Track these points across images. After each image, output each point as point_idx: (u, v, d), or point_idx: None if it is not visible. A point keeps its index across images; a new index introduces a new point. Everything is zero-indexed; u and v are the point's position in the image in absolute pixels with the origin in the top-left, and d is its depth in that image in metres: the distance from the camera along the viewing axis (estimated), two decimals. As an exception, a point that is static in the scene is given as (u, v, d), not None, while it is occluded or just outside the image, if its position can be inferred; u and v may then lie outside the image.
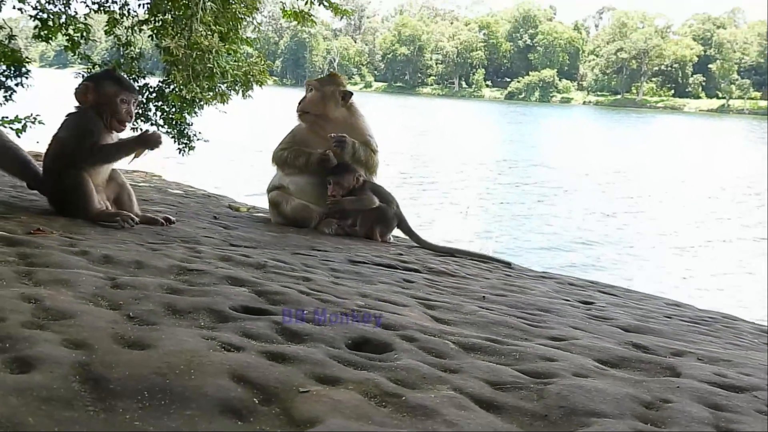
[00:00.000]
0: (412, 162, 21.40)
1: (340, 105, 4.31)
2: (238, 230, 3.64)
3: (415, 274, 2.97)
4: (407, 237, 4.31)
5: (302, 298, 1.76)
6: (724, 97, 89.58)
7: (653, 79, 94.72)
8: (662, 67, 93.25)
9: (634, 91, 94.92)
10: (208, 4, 9.76)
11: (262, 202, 4.67)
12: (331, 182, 4.07)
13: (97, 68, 10.82)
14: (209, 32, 9.74)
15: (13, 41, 13.34)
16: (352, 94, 4.42)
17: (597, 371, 1.45)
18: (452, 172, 20.10)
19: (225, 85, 10.63)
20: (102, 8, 11.28)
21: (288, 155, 4.25)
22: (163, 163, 11.41)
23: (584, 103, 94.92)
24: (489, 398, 1.12)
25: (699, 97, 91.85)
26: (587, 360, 1.55)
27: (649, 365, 1.65)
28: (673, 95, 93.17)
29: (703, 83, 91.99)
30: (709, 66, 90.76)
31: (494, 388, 1.19)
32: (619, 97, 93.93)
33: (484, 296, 2.55)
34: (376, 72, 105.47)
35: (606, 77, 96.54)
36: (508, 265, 4.05)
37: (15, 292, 1.32)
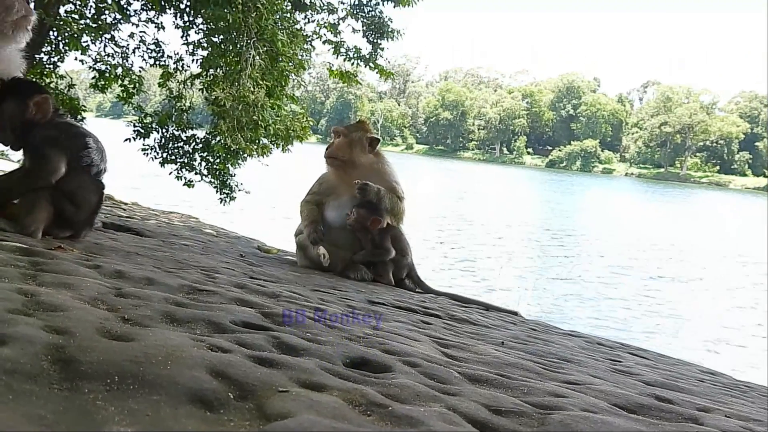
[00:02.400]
0: (450, 222, 21.36)
1: (367, 151, 4.34)
2: (261, 267, 3.63)
3: (435, 319, 2.89)
4: (417, 286, 4.30)
5: (309, 322, 1.71)
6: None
7: (698, 154, 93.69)
8: (707, 143, 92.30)
9: (678, 166, 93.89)
10: (258, 60, 10.13)
11: (293, 248, 4.68)
12: (354, 211, 4.08)
13: (149, 119, 11.28)
14: (256, 87, 10.06)
15: (72, 90, 14.00)
16: (379, 140, 4.45)
17: (609, 411, 1.35)
18: (490, 234, 19.95)
19: (267, 138, 10.91)
20: (157, 62, 11.79)
21: (303, 211, 4.32)
22: (203, 209, 11.63)
23: (626, 174, 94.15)
24: (484, 419, 1.04)
25: (745, 175, 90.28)
26: (601, 402, 1.45)
27: (670, 414, 1.53)
28: (718, 171, 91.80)
29: (750, 161, 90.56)
30: (756, 144, 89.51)
31: (491, 411, 1.11)
32: (662, 170, 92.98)
33: (502, 342, 2.46)
34: (418, 134, 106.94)
35: (649, 150, 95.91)
36: (514, 314, 3.99)
37: (12, 286, 1.31)
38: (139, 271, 2.00)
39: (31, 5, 2.76)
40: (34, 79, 12.83)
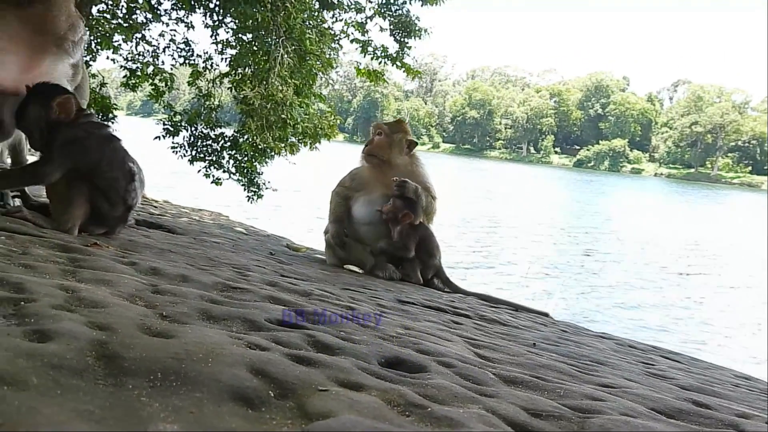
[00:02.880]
0: (478, 223, 21.25)
1: (404, 153, 4.36)
2: (291, 266, 3.65)
3: (465, 319, 2.88)
4: (445, 286, 4.28)
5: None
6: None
7: (729, 154, 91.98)
8: (739, 143, 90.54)
9: (709, 166, 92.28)
10: (286, 59, 10.18)
11: (322, 246, 4.70)
12: (392, 201, 4.10)
13: (178, 117, 11.42)
14: (285, 85, 10.12)
15: (103, 89, 14.24)
16: (417, 143, 4.48)
17: (648, 415, 1.32)
18: (518, 235, 19.81)
19: (295, 136, 10.96)
20: (187, 61, 11.92)
21: (332, 203, 4.36)
22: (231, 206, 11.74)
23: (656, 174, 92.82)
24: (523, 422, 1.03)
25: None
26: (639, 406, 1.43)
27: (709, 420, 1.50)
28: (750, 172, 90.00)
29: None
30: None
31: (530, 414, 1.10)
32: (692, 170, 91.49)
33: (534, 343, 2.44)
34: (444, 134, 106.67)
35: (679, 150, 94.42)
36: (544, 315, 3.96)
37: (55, 282, 1.34)
38: (174, 268, 2.02)
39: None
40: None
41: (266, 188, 11.71)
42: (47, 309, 1.09)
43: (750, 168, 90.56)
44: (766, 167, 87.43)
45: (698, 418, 1.50)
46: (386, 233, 4.17)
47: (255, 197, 11.69)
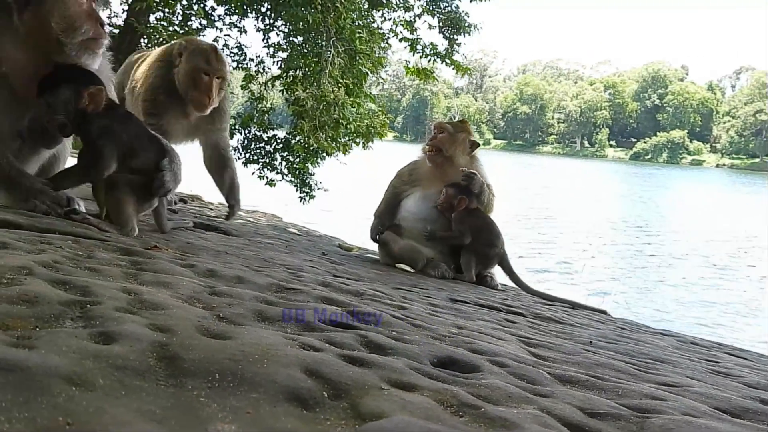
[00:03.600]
0: (534, 219, 20.96)
1: (467, 152, 4.36)
2: (344, 265, 3.68)
3: (519, 317, 2.85)
4: (508, 276, 4.21)
5: (394, 321, 1.72)
6: None
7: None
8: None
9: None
10: (337, 60, 10.27)
11: (374, 245, 4.72)
12: (444, 191, 4.10)
13: (232, 120, 11.66)
14: (336, 86, 10.21)
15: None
16: (479, 144, 4.47)
17: (712, 415, 1.28)
18: (575, 231, 19.45)
19: (348, 136, 11.05)
20: (240, 65, 12.15)
21: (385, 195, 4.46)
22: (285, 207, 11.91)
23: (717, 165, 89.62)
24: (579, 422, 1.02)
25: None
26: (702, 405, 1.38)
27: (777, 420, 1.45)
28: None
29: None
30: None
31: (586, 414, 1.08)
32: (757, 160, 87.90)
33: (591, 341, 2.39)
34: (495, 130, 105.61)
35: (743, 139, 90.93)
36: (602, 312, 3.86)
37: (118, 285, 1.39)
38: (230, 270, 2.07)
39: (106, 27, 2.76)
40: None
41: (318, 189, 11.85)
42: (111, 311, 1.13)
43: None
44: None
45: (765, 417, 1.45)
46: (442, 229, 4.16)
47: (307, 198, 11.84)
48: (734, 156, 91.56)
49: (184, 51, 3.96)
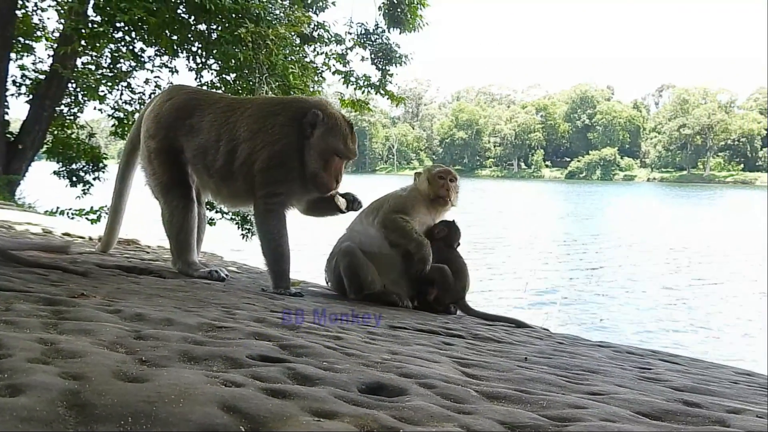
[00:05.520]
0: (477, 241, 21.26)
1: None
2: (283, 300, 3.65)
3: (457, 339, 2.88)
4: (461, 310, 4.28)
5: (326, 351, 1.72)
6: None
7: (720, 153, 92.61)
8: (728, 142, 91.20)
9: (701, 167, 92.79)
10: (270, 95, 10.27)
11: (316, 278, 4.70)
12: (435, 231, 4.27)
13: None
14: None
15: (93, 139, 14.30)
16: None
17: (631, 419, 1.33)
18: (516, 251, 19.81)
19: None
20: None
21: (403, 225, 4.14)
22: (224, 245, 11.72)
23: (648, 179, 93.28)
24: (498, 436, 1.04)
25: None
26: (624, 411, 1.43)
27: (696, 419, 1.51)
28: (743, 170, 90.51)
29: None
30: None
31: (506, 427, 1.11)
32: (684, 172, 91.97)
33: (526, 357, 2.44)
34: (434, 156, 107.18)
35: (670, 153, 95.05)
36: (544, 330, 3.98)
37: (33, 336, 1.35)
38: (160, 312, 2.04)
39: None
40: (55, 132, 13.03)
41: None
42: (22, 363, 1.10)
43: (742, 165, 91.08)
44: (757, 163, 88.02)
45: (685, 418, 1.51)
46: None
47: (249, 235, 11.71)
48: (663, 170, 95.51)
49: (320, 124, 3.69)
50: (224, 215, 11.66)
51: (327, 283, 4.47)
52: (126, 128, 11.68)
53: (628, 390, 1.91)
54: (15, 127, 12.07)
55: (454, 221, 4.37)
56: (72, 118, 12.93)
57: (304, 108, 3.75)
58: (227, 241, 12.20)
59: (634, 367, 2.78)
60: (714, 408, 1.72)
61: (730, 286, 15.13)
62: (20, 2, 11.48)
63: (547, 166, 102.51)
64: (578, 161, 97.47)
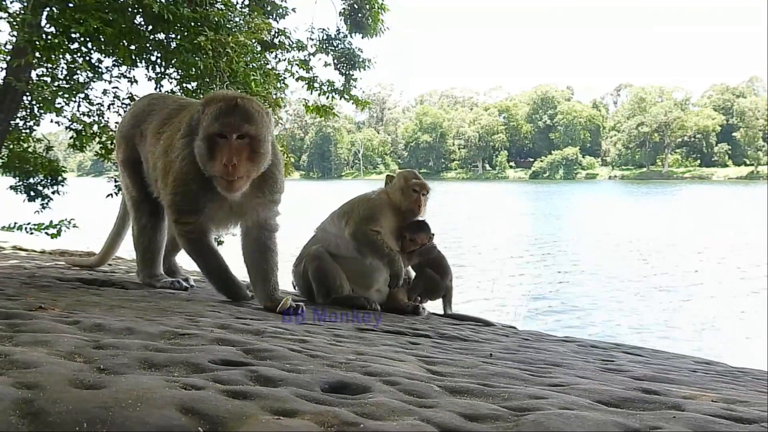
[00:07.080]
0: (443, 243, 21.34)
1: None
2: (249, 307, 3.62)
3: (424, 339, 2.90)
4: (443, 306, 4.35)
5: (290, 354, 1.72)
6: (752, 164, 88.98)
7: (677, 150, 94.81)
8: (685, 139, 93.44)
9: (660, 164, 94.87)
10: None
11: (283, 284, 4.65)
12: (407, 237, 4.22)
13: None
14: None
15: (51, 152, 13.98)
16: None
17: (588, 407, 1.36)
18: (481, 252, 19.98)
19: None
20: (135, 119, 11.80)
21: (376, 241, 4.13)
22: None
23: (609, 177, 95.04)
24: (458, 426, 1.06)
25: (726, 166, 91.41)
26: (582, 399, 1.46)
27: (653, 405, 1.55)
28: (700, 165, 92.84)
29: (729, 152, 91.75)
30: (734, 134, 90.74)
31: (466, 418, 1.12)
32: (644, 170, 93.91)
33: (491, 354, 2.47)
34: (399, 160, 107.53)
35: (629, 151, 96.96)
36: (511, 327, 4.03)
37: (-13, 349, 1.32)
38: (120, 322, 2.01)
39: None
40: (11, 146, 12.70)
41: (226, 233, 11.59)
42: (-26, 375, 1.08)
43: (699, 161, 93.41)
44: (713, 159, 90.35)
45: (642, 404, 1.55)
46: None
47: (217, 244, 11.57)
48: (623, 167, 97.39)
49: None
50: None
51: (294, 287, 4.45)
52: (84, 140, 11.45)
53: (589, 381, 1.95)
54: (-32, 142, 11.75)
55: (424, 221, 4.37)
56: (28, 131, 12.63)
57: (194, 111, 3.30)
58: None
59: (597, 360, 2.84)
60: (671, 394, 1.76)
61: (695, 277, 15.50)
62: (-30, 14, 11.20)
63: (511, 167, 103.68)
64: (541, 161, 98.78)
